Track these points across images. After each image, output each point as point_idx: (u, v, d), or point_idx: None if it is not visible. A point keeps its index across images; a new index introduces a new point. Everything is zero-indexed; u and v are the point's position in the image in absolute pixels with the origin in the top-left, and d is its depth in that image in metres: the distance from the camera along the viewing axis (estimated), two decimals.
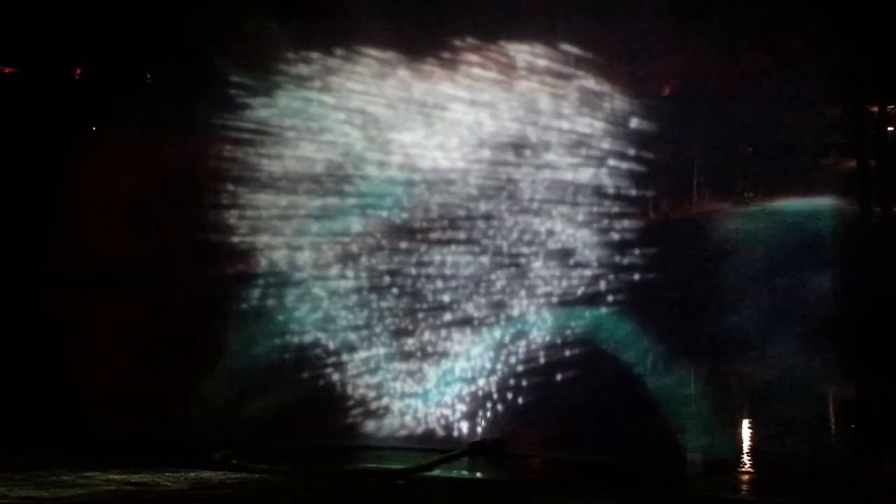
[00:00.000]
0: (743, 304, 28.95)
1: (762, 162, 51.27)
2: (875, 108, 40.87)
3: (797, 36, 37.83)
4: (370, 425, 20.26)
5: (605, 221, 20.55)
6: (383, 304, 20.57)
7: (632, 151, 21.20)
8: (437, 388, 20.21)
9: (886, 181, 40.38)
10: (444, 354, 20.20)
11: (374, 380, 20.30)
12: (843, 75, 37.01)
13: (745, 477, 19.51)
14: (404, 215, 19.95)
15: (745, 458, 20.69)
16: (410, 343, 20.24)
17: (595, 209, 20.53)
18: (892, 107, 40.97)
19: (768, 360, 29.70)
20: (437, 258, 20.21)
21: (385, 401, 20.27)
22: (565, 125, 20.96)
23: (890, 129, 41.62)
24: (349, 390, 20.57)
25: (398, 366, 20.25)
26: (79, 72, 26.28)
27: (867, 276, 32.23)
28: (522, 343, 20.26)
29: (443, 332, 20.28)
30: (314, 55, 20.77)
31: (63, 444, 19.55)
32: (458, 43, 19.77)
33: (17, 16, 26.62)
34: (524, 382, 20.16)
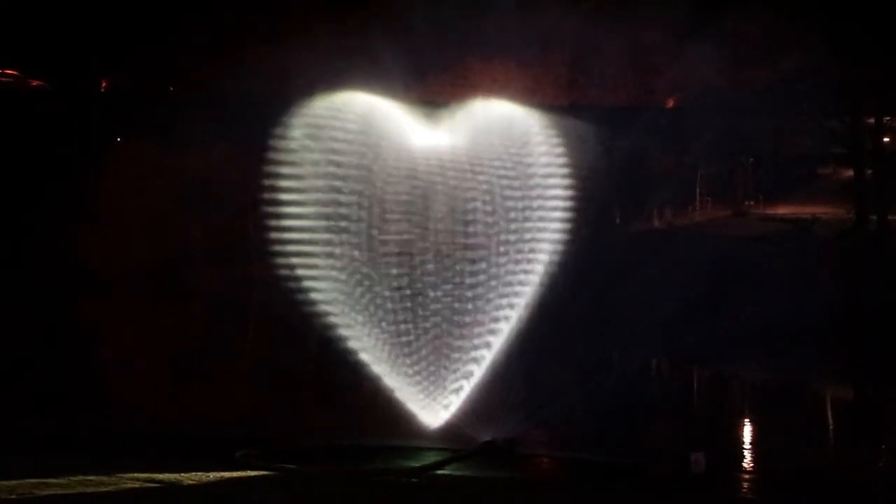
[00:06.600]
0: (743, 309, 29.48)
1: (763, 171, 51.86)
2: (872, 120, 41.56)
3: (798, 51, 38.45)
4: (383, 424, 20.59)
5: (611, 228, 20.93)
6: (393, 307, 20.84)
7: (636, 162, 21.55)
8: (447, 389, 20.57)
9: (883, 189, 41.03)
10: (454, 357, 20.53)
11: (387, 380, 20.62)
12: (842, 89, 37.66)
13: (747, 476, 19.89)
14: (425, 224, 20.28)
15: (746, 458, 21.08)
16: (420, 344, 20.55)
17: (600, 216, 20.86)
18: (888, 118, 41.63)
19: (769, 363, 30.21)
20: (446, 262, 20.54)
21: (397, 401, 20.59)
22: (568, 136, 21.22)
23: (886, 139, 42.25)
24: (361, 390, 20.91)
25: (409, 367, 20.58)
26: (104, 84, 26.66)
27: (865, 281, 32.82)
28: (529, 345, 20.60)
29: (451, 335, 20.59)
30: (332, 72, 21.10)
31: (88, 444, 19.97)
32: (468, 61, 20.27)
33: (43, 31, 27.07)
34: (532, 384, 20.52)
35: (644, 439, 21.68)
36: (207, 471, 17.61)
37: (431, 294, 20.86)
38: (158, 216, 25.32)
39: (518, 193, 20.85)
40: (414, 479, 18.66)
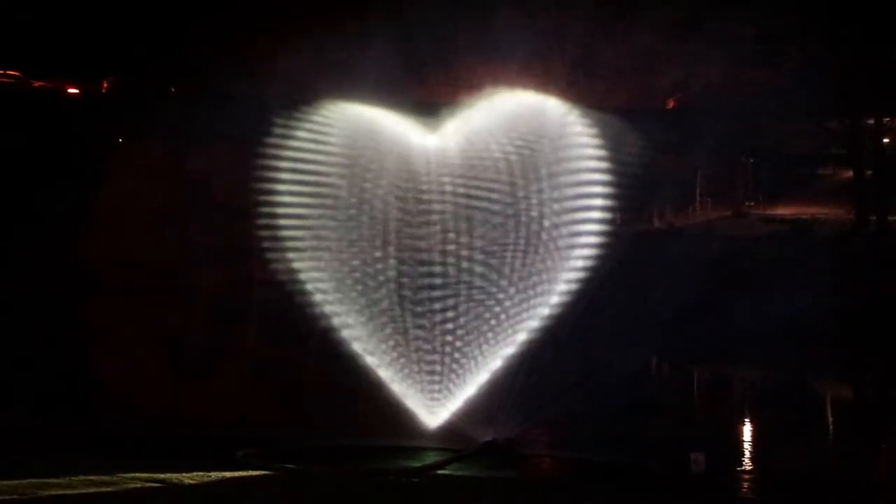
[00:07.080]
0: (744, 309, 29.62)
1: (763, 172, 52.03)
2: (871, 121, 41.75)
3: (797, 52, 38.64)
4: (385, 423, 20.65)
5: (612, 230, 20.94)
6: (395, 308, 20.90)
7: (637, 162, 21.57)
8: (448, 389, 20.61)
9: (883, 189, 41.26)
10: (455, 357, 20.59)
11: (388, 380, 20.67)
12: (841, 89, 37.86)
13: (747, 476, 19.93)
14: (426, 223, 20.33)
15: (746, 458, 21.13)
16: (421, 345, 20.61)
17: (602, 219, 20.88)
18: (887, 119, 41.82)
19: (769, 363, 30.35)
20: (448, 262, 20.60)
21: (398, 401, 20.63)
22: (570, 138, 21.24)
23: (886, 140, 42.43)
24: (361, 390, 20.98)
25: (410, 367, 20.63)
26: (104, 84, 26.77)
27: (865, 281, 32.93)
28: (531, 345, 20.66)
29: (452, 336, 20.64)
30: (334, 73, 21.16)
31: (88, 444, 19.99)
32: (469, 60, 20.33)
33: (44, 32, 27.18)
34: (534, 384, 20.57)
35: (644, 439, 21.70)
36: (208, 470, 17.66)
37: (433, 294, 20.89)
38: (159, 216, 25.41)
39: (519, 196, 20.90)
40: (414, 479, 18.69)
